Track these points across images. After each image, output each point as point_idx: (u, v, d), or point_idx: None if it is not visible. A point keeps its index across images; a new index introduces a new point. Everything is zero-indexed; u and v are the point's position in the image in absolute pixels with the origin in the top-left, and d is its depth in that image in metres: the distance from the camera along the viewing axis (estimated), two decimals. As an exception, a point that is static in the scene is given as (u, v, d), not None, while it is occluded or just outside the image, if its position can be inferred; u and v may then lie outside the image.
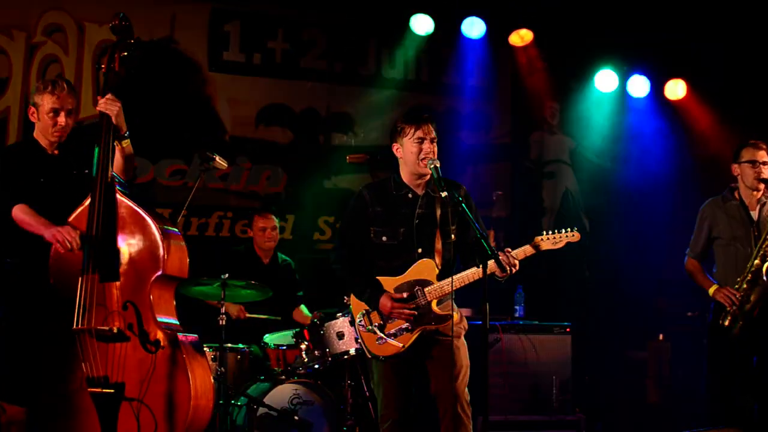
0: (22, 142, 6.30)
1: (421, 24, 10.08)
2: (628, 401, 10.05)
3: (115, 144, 5.73)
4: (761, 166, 7.17)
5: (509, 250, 5.53)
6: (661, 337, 10.25)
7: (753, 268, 7.02)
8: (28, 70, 8.87)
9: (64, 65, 8.99)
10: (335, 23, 10.18)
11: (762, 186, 7.20)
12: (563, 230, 5.70)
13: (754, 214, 7.22)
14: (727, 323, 7.06)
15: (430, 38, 10.23)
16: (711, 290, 7.19)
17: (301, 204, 9.88)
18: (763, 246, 7.00)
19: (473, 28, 10.31)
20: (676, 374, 9.99)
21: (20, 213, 5.68)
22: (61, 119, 5.85)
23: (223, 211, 9.61)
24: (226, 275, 7.46)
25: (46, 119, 5.86)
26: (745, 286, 7.02)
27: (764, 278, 6.93)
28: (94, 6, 9.11)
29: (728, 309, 7.05)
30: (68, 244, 5.46)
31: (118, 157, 5.78)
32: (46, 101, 5.84)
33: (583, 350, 9.18)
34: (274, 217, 8.60)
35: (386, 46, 10.36)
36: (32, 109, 5.94)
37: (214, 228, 9.56)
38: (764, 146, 7.22)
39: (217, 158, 7.40)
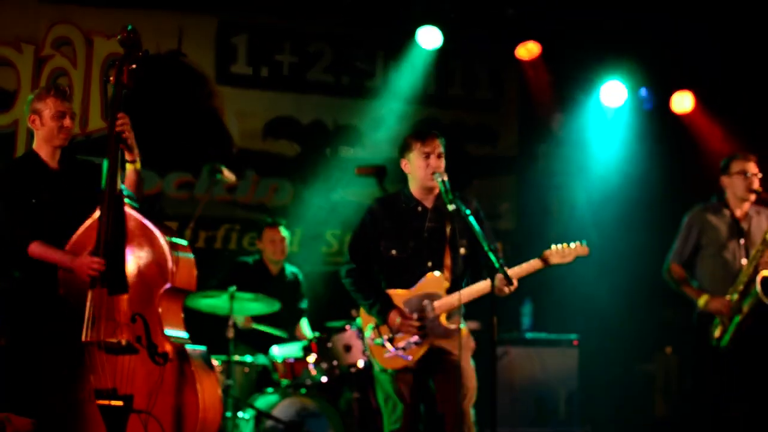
0: (22, 158, 6.18)
1: (429, 37, 10.08)
2: (636, 414, 10.04)
3: (128, 167, 5.75)
4: (752, 176, 7.22)
5: (500, 278, 5.51)
6: (668, 349, 10.24)
7: (746, 279, 7.03)
8: (37, 83, 8.87)
9: (73, 78, 9.00)
10: (342, 36, 10.20)
11: (753, 197, 7.24)
12: (572, 244, 5.72)
13: (744, 226, 7.24)
14: (717, 334, 7.06)
15: (437, 51, 10.25)
16: (702, 300, 7.18)
17: (308, 217, 9.88)
18: (758, 257, 7.02)
19: (480, 41, 10.31)
20: (684, 387, 9.97)
21: (38, 250, 5.60)
22: (68, 122, 5.80)
23: (231, 224, 9.62)
24: (234, 288, 7.47)
25: (51, 123, 5.77)
26: (736, 296, 7.03)
27: (758, 290, 6.94)
28: (102, 19, 9.13)
29: (718, 320, 7.06)
30: (95, 271, 5.45)
31: (131, 175, 5.79)
32: (51, 105, 5.75)
33: (590, 363, 9.17)
34: (283, 229, 8.62)
35: (393, 59, 10.38)
36: (33, 116, 5.81)
37: (221, 240, 9.57)
38: (753, 158, 7.31)
39: (225, 171, 7.42)
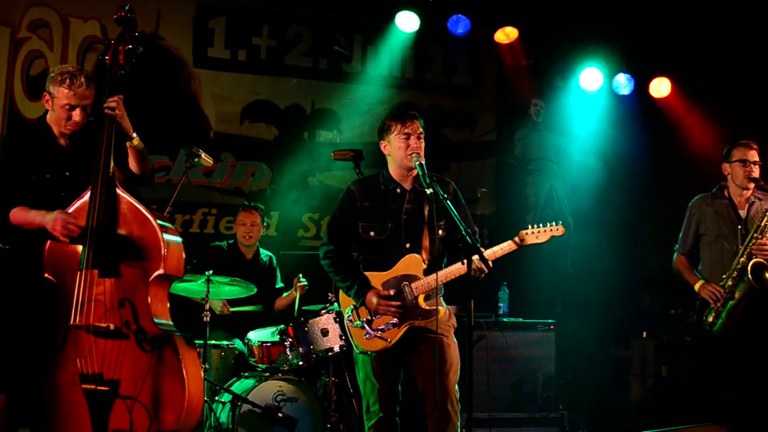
0: (34, 128, 6.03)
1: (407, 21, 10.08)
2: (612, 398, 10.08)
3: (126, 144, 5.71)
4: (752, 165, 7.22)
5: (477, 259, 5.48)
6: (644, 334, 10.28)
7: (739, 266, 7.05)
8: (13, 65, 8.83)
9: (49, 61, 8.94)
10: (320, 20, 10.17)
11: (752, 185, 7.24)
12: (548, 224, 5.75)
13: (743, 213, 7.26)
14: (710, 319, 7.09)
15: (415, 35, 10.24)
16: (697, 286, 7.23)
17: (285, 201, 9.87)
18: (750, 244, 7.04)
19: (458, 25, 10.32)
20: (659, 372, 10.01)
21: (16, 217, 5.54)
22: (76, 115, 5.68)
23: (208, 208, 9.59)
24: (211, 272, 7.45)
25: (60, 112, 5.67)
26: (730, 282, 7.06)
27: (749, 276, 6.96)
28: (78, 2, 9.08)
29: (712, 305, 7.09)
30: (67, 235, 5.39)
31: (130, 156, 5.75)
32: (62, 95, 5.64)
33: (566, 348, 9.20)
34: (258, 213, 8.58)
35: (372, 43, 10.36)
36: (47, 96, 5.71)
37: (198, 224, 9.54)
38: (755, 146, 7.29)
39: (203, 155, 7.37)
